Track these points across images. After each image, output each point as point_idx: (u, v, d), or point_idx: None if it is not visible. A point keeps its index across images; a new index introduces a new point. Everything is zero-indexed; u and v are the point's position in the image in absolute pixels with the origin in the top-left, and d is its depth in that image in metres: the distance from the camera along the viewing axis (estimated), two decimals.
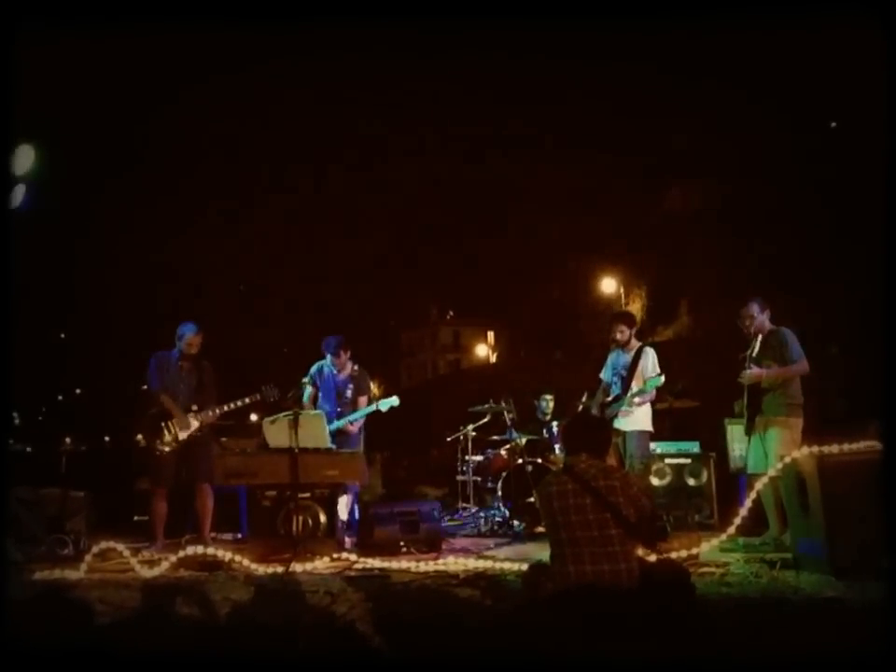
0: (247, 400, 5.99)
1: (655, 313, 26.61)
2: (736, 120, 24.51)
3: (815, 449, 4.44)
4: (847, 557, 4.06)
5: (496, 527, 6.99)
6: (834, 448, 4.37)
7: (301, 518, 5.64)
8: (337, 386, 6.53)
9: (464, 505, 8.13)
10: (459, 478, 8.43)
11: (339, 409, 6.46)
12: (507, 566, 4.77)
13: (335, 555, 5.32)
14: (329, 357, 6.51)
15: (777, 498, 5.14)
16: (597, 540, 3.40)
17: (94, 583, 4.60)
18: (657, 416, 6.46)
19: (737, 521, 5.14)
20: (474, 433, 8.32)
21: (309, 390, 6.53)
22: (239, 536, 6.66)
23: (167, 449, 5.79)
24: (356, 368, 6.61)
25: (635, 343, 6.35)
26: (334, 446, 5.99)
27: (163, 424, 5.82)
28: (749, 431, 5.62)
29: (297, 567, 4.95)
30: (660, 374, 6.01)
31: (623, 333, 6.34)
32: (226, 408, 5.98)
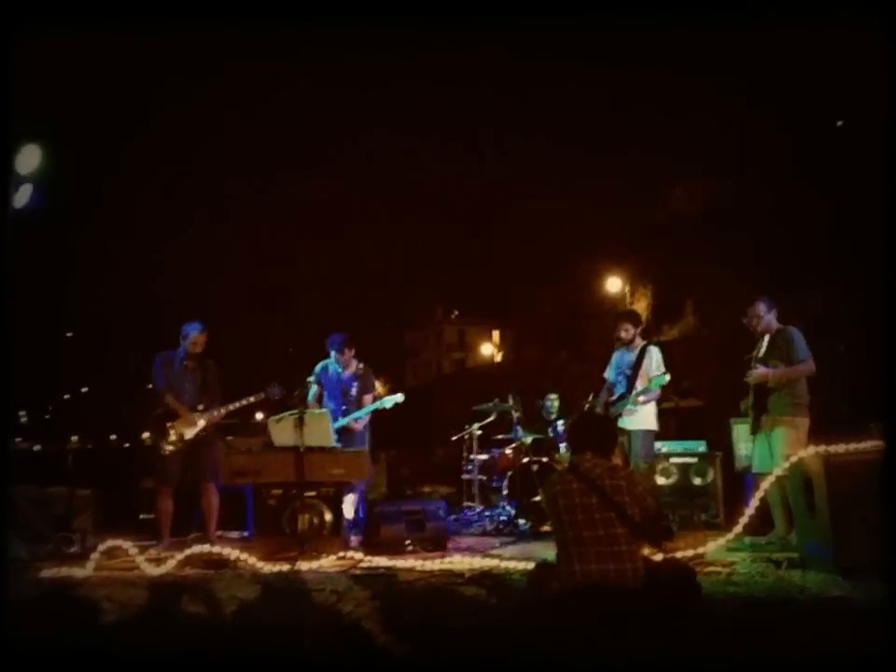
0: (252, 399, 6.00)
1: (661, 312, 26.53)
2: (740, 121, 24.48)
3: (821, 448, 4.43)
4: (853, 557, 4.05)
5: (501, 526, 6.98)
6: (841, 448, 4.36)
7: (306, 517, 5.65)
8: (342, 385, 6.53)
9: (469, 504, 8.13)
10: (465, 477, 8.43)
11: (344, 407, 6.47)
12: (512, 564, 4.76)
13: (341, 554, 5.32)
14: (333, 354, 6.52)
15: (784, 498, 5.13)
16: (603, 540, 3.40)
17: (101, 581, 4.62)
18: (663, 415, 6.44)
19: (743, 520, 5.14)
20: (479, 432, 8.33)
21: (314, 389, 6.54)
22: (245, 534, 6.68)
23: (172, 449, 5.80)
24: (360, 366, 6.61)
25: (639, 342, 6.33)
26: (340, 445, 6.00)
27: (168, 424, 5.84)
28: (754, 430, 5.60)
29: (303, 566, 4.96)
30: (665, 373, 5.99)
31: (627, 332, 6.32)
32: (231, 407, 5.99)
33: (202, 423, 5.89)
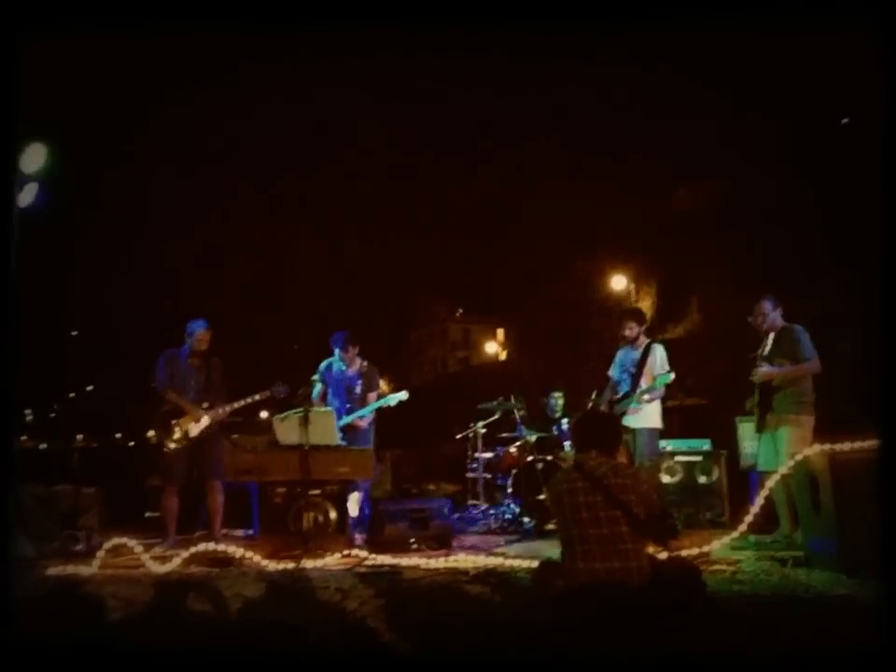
0: (257, 397, 6.01)
1: (665, 310, 26.51)
2: (742, 121, 24.44)
3: (826, 447, 4.42)
4: (858, 555, 4.04)
5: (506, 524, 6.99)
6: (846, 446, 4.35)
7: (311, 515, 5.67)
8: (346, 382, 6.53)
9: (474, 502, 8.13)
10: (469, 475, 8.44)
11: (348, 405, 6.47)
12: (517, 563, 4.76)
13: (345, 552, 5.32)
14: (337, 352, 6.52)
15: (789, 496, 5.12)
16: (608, 538, 3.40)
17: (106, 579, 4.63)
18: (667, 414, 6.43)
19: (748, 518, 5.12)
20: (484, 430, 8.33)
21: (318, 387, 6.54)
22: (250, 532, 6.70)
23: (177, 446, 5.82)
24: (365, 364, 6.61)
25: (643, 340, 6.32)
26: (344, 443, 6.00)
27: (173, 422, 5.85)
28: (760, 429, 5.60)
29: (307, 564, 4.96)
30: (669, 371, 5.98)
31: (631, 330, 6.31)
32: (236, 405, 6.00)
33: (207, 420, 5.90)
